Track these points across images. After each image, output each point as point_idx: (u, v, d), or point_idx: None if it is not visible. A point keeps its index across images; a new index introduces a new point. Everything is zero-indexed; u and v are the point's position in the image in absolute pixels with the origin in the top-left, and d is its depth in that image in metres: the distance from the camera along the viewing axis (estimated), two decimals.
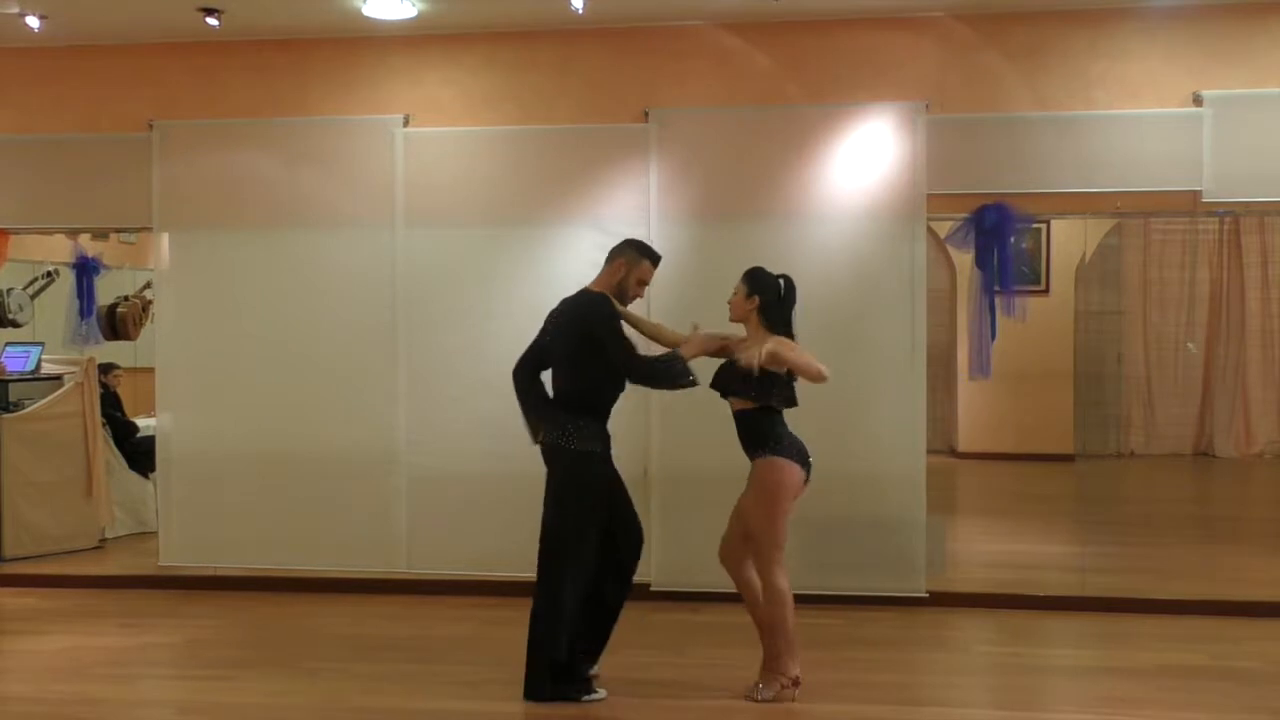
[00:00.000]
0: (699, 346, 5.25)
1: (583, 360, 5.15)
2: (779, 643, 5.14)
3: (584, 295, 5.27)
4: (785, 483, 5.10)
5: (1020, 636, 6.26)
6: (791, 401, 5.20)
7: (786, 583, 5.12)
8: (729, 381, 5.19)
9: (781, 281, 5.28)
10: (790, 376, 5.16)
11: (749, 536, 5.18)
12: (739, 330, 5.30)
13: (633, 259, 5.30)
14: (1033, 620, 6.52)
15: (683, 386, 5.14)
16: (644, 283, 5.35)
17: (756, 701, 5.11)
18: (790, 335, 5.21)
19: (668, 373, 5.12)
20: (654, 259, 5.37)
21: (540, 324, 5.39)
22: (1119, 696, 5.25)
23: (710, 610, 6.23)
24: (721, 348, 5.30)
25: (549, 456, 5.21)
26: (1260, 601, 6.65)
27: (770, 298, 5.21)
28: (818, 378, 5.07)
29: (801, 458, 5.16)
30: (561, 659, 5.13)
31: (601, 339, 5.10)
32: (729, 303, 5.28)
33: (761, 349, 5.05)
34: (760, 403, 5.11)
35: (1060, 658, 5.97)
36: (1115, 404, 13.05)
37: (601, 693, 5.20)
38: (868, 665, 5.72)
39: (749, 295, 5.22)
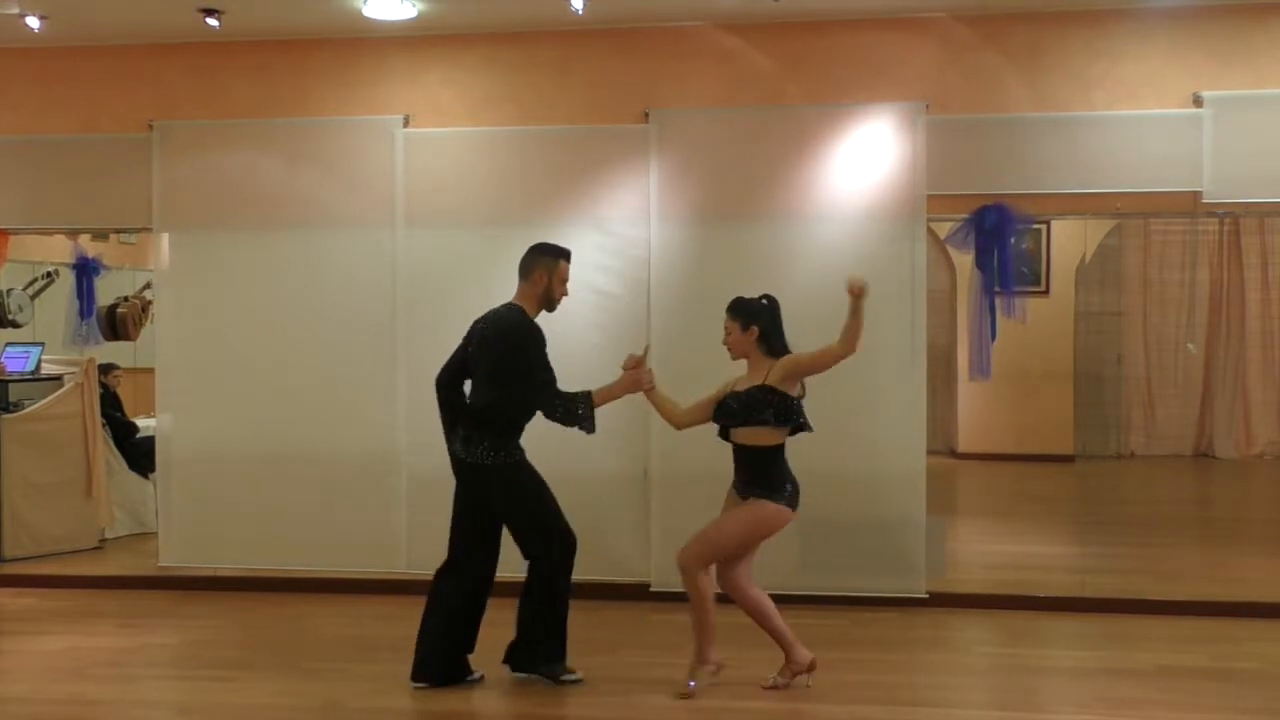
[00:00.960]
0: (619, 393, 5.33)
1: (508, 379, 5.21)
2: (700, 638, 5.18)
3: (513, 317, 5.29)
4: (770, 528, 5.19)
5: (1020, 637, 6.26)
6: (808, 424, 5.20)
7: (709, 583, 5.17)
8: (748, 412, 5.11)
9: (766, 302, 5.26)
10: (801, 398, 5.16)
11: (704, 536, 5.20)
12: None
13: (549, 265, 5.36)
14: (1033, 621, 6.52)
15: (579, 428, 5.24)
16: (565, 281, 5.41)
17: (684, 697, 5.13)
18: (787, 350, 5.20)
19: (570, 413, 5.21)
20: (567, 256, 5.42)
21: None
22: (1119, 697, 5.25)
23: None
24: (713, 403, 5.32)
25: (486, 476, 5.24)
26: (1260, 602, 6.65)
27: (766, 324, 5.19)
28: (841, 355, 5.05)
29: (797, 499, 5.19)
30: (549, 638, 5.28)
31: (528, 362, 5.18)
32: (727, 344, 5.24)
33: (783, 369, 5.10)
34: (784, 425, 5.10)
35: (1060, 658, 5.96)
36: (1115, 405, 13.06)
37: (579, 674, 5.35)
38: (867, 666, 5.71)
39: (746, 328, 5.19)
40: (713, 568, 5.27)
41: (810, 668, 5.26)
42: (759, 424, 5.11)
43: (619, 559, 6.66)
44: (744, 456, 5.18)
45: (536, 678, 5.37)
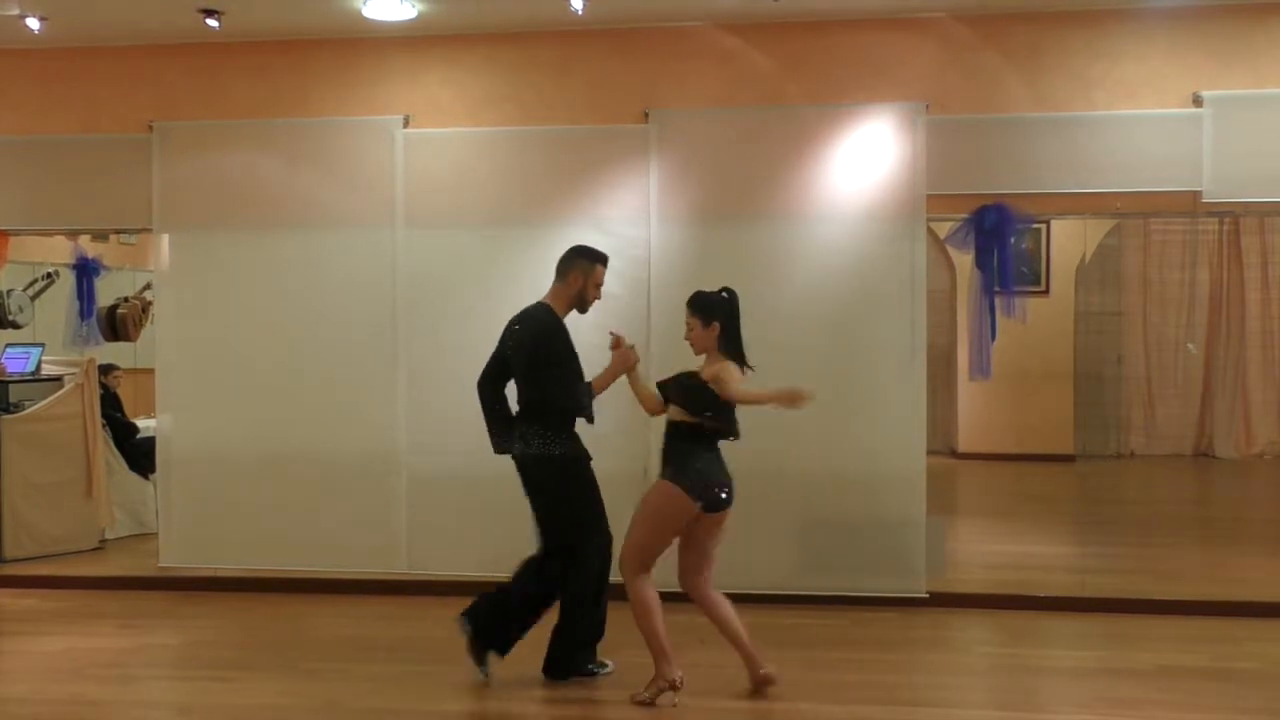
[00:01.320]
0: (613, 376, 5.40)
1: (544, 375, 5.36)
2: (651, 651, 5.13)
3: (541, 317, 5.43)
4: (669, 512, 5.11)
5: (1020, 637, 6.26)
6: (728, 429, 5.13)
7: (649, 591, 5.13)
8: (672, 391, 5.17)
9: (726, 295, 5.22)
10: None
11: (632, 540, 5.19)
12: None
13: (585, 267, 5.48)
14: (1033, 621, 6.52)
15: (583, 417, 5.40)
16: (600, 285, 5.54)
17: (637, 703, 5.09)
18: (741, 352, 5.16)
19: (578, 404, 5.34)
20: (604, 261, 5.54)
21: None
22: (1119, 697, 5.25)
23: None
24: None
25: (536, 468, 5.37)
26: (1260, 602, 6.65)
27: (725, 319, 5.16)
28: (734, 402, 5.07)
29: (703, 490, 5.05)
30: (593, 637, 5.42)
31: (554, 361, 5.32)
32: (689, 339, 5.24)
33: (716, 369, 5.08)
34: (694, 416, 5.07)
35: (1060, 658, 5.96)
36: (1115, 405, 13.05)
37: (610, 665, 5.43)
38: (868, 666, 5.71)
39: (707, 324, 5.17)
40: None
41: (767, 681, 5.18)
42: (667, 398, 5.17)
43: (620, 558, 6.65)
44: (666, 431, 5.21)
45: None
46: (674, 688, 5.10)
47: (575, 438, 5.41)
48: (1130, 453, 13.17)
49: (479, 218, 7.14)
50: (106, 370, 9.07)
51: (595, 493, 5.42)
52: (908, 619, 6.52)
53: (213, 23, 6.78)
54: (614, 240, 6.92)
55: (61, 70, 7.51)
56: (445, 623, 6.46)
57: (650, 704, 5.07)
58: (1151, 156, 6.64)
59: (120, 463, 8.77)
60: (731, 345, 5.16)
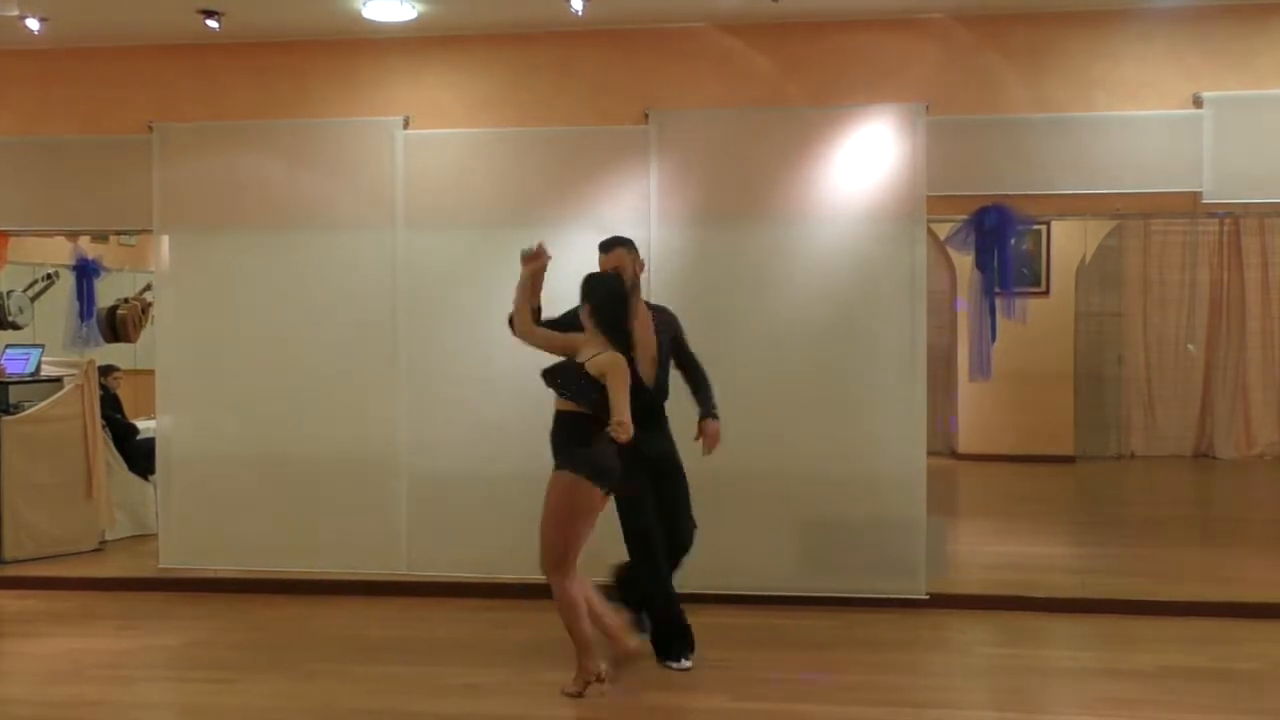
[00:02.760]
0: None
1: None
2: (576, 646, 5.14)
3: None
4: (571, 503, 5.05)
5: (1021, 638, 6.26)
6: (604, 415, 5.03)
7: (574, 589, 5.10)
8: (559, 378, 5.11)
9: (595, 282, 5.19)
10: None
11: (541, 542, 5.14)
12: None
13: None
14: (1033, 622, 6.52)
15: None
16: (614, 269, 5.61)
17: (567, 695, 5.14)
18: (627, 344, 5.07)
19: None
20: (603, 248, 5.71)
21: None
22: (1119, 698, 5.25)
23: (708, 611, 6.21)
24: (564, 346, 5.28)
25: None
26: (1260, 603, 6.64)
27: (597, 301, 5.12)
28: (615, 425, 4.93)
29: (599, 473, 5.01)
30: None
31: None
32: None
33: (599, 358, 5.02)
34: (579, 405, 5.04)
35: (1061, 659, 5.96)
36: (1115, 405, 13.06)
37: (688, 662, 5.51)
38: (868, 667, 5.71)
39: (583, 303, 5.15)
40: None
41: (599, 678, 5.17)
42: (560, 393, 5.14)
43: (621, 558, 6.65)
44: (556, 421, 5.20)
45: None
46: (599, 680, 5.13)
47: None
48: (1130, 454, 13.17)
49: (479, 218, 7.13)
50: (106, 371, 9.06)
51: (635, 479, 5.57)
52: (908, 620, 6.51)
53: (212, 23, 6.78)
54: None
55: (61, 70, 7.51)
56: (445, 623, 6.51)
57: (580, 695, 5.11)
58: (1152, 157, 6.63)
59: (120, 463, 8.76)
60: (605, 325, 5.07)
